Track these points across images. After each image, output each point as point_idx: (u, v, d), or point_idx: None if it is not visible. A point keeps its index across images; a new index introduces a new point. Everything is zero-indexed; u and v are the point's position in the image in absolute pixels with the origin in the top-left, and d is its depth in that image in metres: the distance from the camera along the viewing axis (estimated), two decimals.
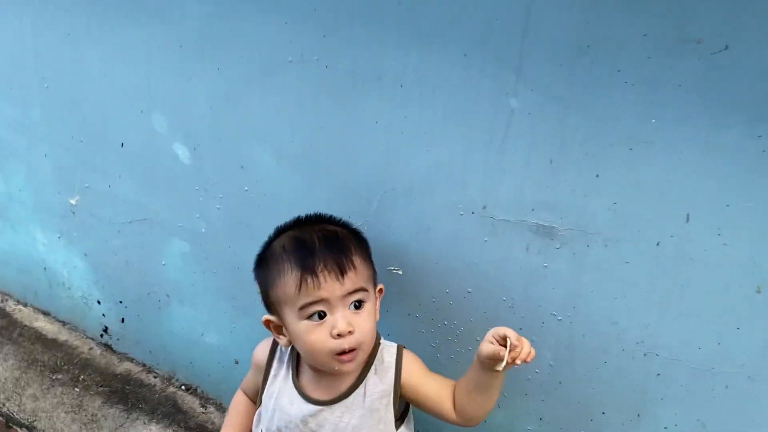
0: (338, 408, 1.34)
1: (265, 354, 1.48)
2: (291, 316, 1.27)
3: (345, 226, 1.37)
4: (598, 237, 1.25)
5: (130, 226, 1.89)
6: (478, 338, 1.38)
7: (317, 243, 1.26)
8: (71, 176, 1.96)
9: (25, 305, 2.36)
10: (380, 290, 1.36)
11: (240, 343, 1.85)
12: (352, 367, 1.30)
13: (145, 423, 1.90)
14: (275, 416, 1.42)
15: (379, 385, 1.34)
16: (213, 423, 1.93)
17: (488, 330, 1.22)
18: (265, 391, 1.45)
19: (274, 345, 1.46)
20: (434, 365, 1.48)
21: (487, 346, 1.20)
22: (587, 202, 1.24)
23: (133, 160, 1.84)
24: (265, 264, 1.32)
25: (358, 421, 1.33)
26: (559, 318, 1.35)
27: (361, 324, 1.25)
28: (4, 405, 1.95)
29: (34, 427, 1.89)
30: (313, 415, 1.37)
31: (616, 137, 1.17)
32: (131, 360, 2.13)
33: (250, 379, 1.57)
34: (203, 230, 1.76)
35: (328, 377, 1.33)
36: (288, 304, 1.26)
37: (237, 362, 1.88)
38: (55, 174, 2.00)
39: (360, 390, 1.34)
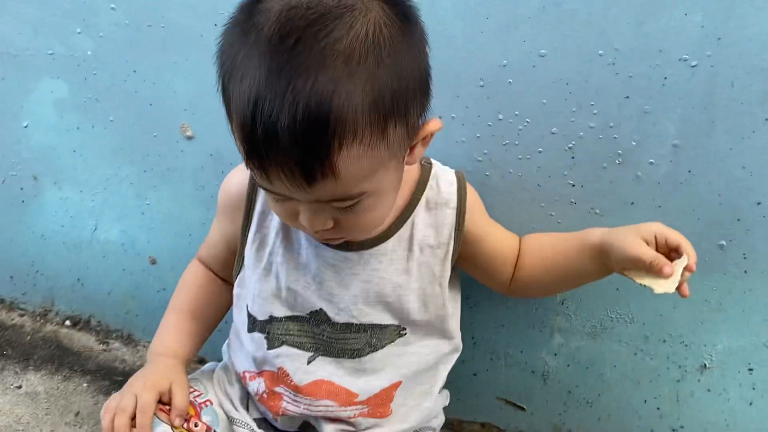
0: (372, 257, 0.95)
1: (244, 183, 0.99)
2: None
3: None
4: None
5: None
6: (554, 131, 0.96)
7: (286, 100, 0.68)
8: None
9: None
10: (430, 134, 0.84)
11: (157, 229, 1.34)
12: (332, 245, 0.92)
13: (17, 372, 1.32)
14: (272, 275, 0.97)
15: (433, 227, 0.96)
16: (123, 360, 1.38)
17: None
18: (251, 238, 0.98)
19: None
20: (484, 189, 1.09)
21: (639, 248, 0.86)
22: None
23: None
24: (229, 42, 0.75)
25: (402, 277, 0.96)
26: (693, 63, 0.95)
27: (352, 221, 0.82)
28: None
29: None
30: (333, 266, 0.95)
31: None
32: None
33: (216, 235, 1.07)
34: (89, 53, 1.22)
35: None
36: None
37: (154, 262, 1.34)
38: None
39: (404, 232, 0.95)
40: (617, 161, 1.03)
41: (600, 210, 1.06)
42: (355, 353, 0.97)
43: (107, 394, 1.28)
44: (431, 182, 0.97)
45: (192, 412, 0.97)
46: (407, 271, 0.96)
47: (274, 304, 0.98)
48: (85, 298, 1.45)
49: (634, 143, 1.01)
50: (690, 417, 1.15)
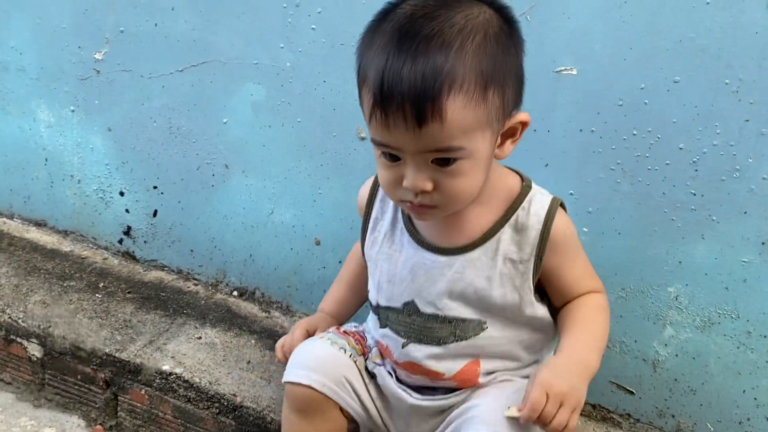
0: (458, 261, 1.08)
1: (365, 193, 1.20)
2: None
3: (498, 8, 0.96)
4: None
5: (182, 75, 1.55)
6: (681, 147, 1.13)
7: (409, 58, 0.87)
8: (100, 20, 1.62)
9: (11, 217, 1.93)
10: (523, 123, 1.00)
11: (325, 215, 1.54)
12: (427, 219, 1.06)
13: (197, 327, 1.55)
14: (377, 269, 1.17)
15: (515, 244, 1.07)
16: (283, 327, 1.60)
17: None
18: (367, 239, 1.19)
19: (377, 182, 1.18)
20: (614, 195, 1.28)
21: (530, 387, 0.97)
22: None
23: None
24: (366, 40, 0.96)
25: (485, 283, 1.08)
26: None
27: (448, 184, 0.94)
28: (3, 312, 1.55)
29: (50, 334, 1.50)
30: (423, 265, 1.10)
31: None
32: (162, 268, 1.76)
33: None
34: (288, 64, 1.45)
35: (452, 219, 1.06)
36: (366, 122, 0.97)
37: (319, 243, 1.55)
38: (76, 20, 1.65)
39: (490, 245, 1.07)
40: (735, 175, 1.19)
41: (716, 217, 1.22)
42: (441, 340, 1.10)
43: (272, 349, 1.48)
44: (524, 203, 1.06)
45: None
46: (489, 279, 1.07)
47: (378, 294, 1.16)
48: (254, 273, 1.67)
49: (750, 160, 1.18)
50: None
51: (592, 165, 1.28)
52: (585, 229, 1.30)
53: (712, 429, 1.33)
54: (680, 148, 1.21)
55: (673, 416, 1.36)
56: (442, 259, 1.08)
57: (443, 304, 1.09)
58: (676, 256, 1.27)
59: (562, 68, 1.25)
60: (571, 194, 1.29)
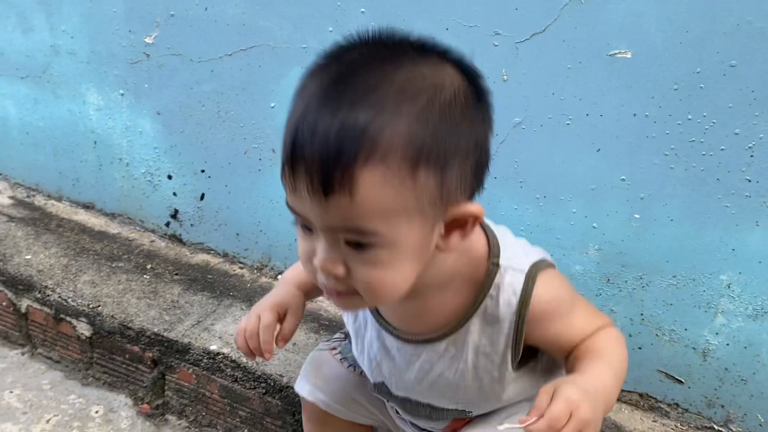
0: (426, 351, 0.96)
1: None
2: None
3: (465, 73, 0.78)
4: None
5: (231, 60, 1.56)
6: (737, 132, 1.11)
7: (330, 112, 0.70)
8: (151, 4, 1.64)
9: (59, 200, 1.97)
10: (474, 217, 0.79)
11: None
12: (349, 309, 0.97)
13: (243, 309, 1.55)
14: (351, 332, 1.09)
15: (487, 337, 0.92)
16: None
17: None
18: None
19: None
20: (667, 180, 1.26)
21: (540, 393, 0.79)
22: None
23: None
24: (302, 81, 0.79)
25: (455, 376, 0.97)
26: None
27: (364, 273, 0.76)
28: (53, 291, 1.57)
29: (99, 314, 1.52)
30: (389, 351, 1.00)
31: None
32: (208, 251, 1.77)
33: None
34: None
35: (411, 304, 0.89)
36: None
37: None
38: (127, 4, 1.68)
39: (458, 336, 0.93)
40: None
41: None
42: (420, 415, 1.06)
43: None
44: (492, 291, 0.89)
45: None
46: (461, 372, 0.95)
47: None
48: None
49: None
50: None
51: (645, 150, 1.26)
52: (636, 216, 1.29)
53: (762, 419, 1.31)
54: (736, 134, 1.19)
55: (723, 406, 1.34)
56: (408, 347, 0.97)
57: (416, 393, 1.01)
58: (730, 244, 1.25)
59: (616, 51, 1.24)
60: (623, 180, 1.28)
